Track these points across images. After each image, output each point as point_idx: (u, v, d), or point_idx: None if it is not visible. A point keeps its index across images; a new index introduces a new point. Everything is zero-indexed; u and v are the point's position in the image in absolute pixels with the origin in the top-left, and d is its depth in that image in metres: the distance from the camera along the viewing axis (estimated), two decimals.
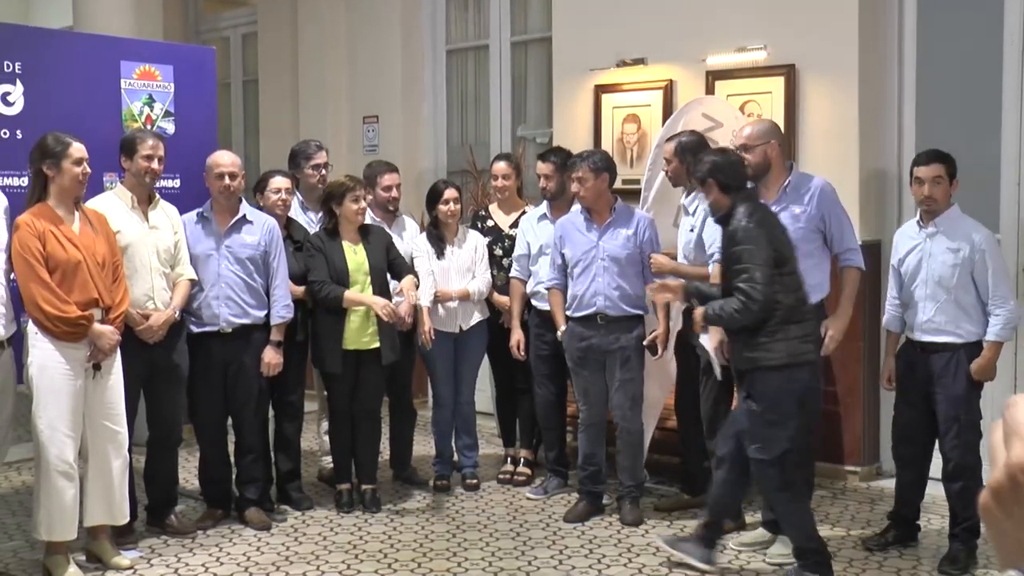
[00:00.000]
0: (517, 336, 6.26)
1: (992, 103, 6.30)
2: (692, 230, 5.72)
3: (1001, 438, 0.87)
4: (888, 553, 5.36)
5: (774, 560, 5.24)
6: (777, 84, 6.65)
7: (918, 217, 5.25)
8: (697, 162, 5.09)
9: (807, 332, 4.86)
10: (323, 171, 6.52)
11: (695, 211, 5.70)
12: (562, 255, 5.91)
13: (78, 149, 4.96)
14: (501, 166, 6.63)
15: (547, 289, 6.04)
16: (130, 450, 5.33)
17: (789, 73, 6.60)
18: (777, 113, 6.62)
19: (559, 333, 5.97)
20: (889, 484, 6.37)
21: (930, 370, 5.11)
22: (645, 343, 5.79)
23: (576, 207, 6.02)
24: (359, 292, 5.91)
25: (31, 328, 4.89)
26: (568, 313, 5.90)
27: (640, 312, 5.84)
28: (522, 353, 6.26)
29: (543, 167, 6.33)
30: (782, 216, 5.12)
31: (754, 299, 4.65)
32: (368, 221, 6.19)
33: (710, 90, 6.89)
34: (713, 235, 5.29)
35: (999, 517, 0.86)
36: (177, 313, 5.48)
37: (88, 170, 5.00)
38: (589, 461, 5.94)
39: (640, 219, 5.86)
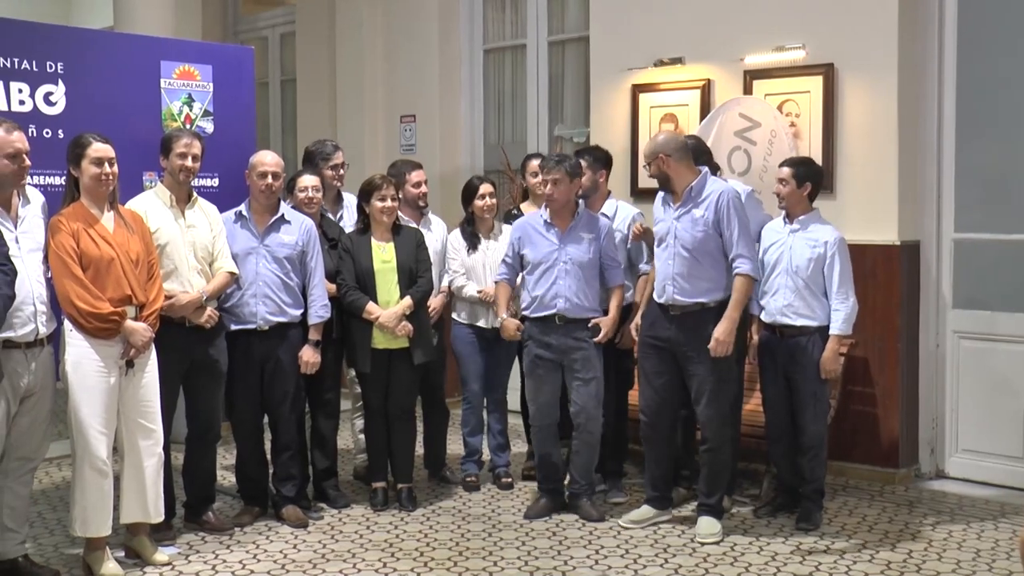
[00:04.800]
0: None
1: None
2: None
3: None
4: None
5: (707, 540, 5.55)
6: (815, 83, 6.63)
7: (784, 215, 5.83)
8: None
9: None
10: (340, 171, 6.55)
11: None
12: (520, 256, 5.96)
13: (97, 149, 4.97)
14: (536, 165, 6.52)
15: (496, 282, 6.14)
16: (168, 447, 5.38)
17: (828, 72, 6.58)
18: (815, 112, 6.63)
19: (499, 320, 6.07)
20: (929, 486, 6.49)
21: (789, 353, 5.73)
22: (589, 325, 5.85)
23: (536, 209, 6.11)
24: (386, 290, 5.99)
25: (67, 325, 4.92)
26: (525, 313, 5.96)
27: (596, 314, 5.89)
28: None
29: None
30: (684, 219, 5.52)
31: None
32: (401, 222, 6.21)
33: (748, 89, 6.91)
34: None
35: None
36: (208, 302, 5.48)
37: (109, 170, 4.99)
38: (545, 460, 6.04)
39: (603, 225, 5.95)
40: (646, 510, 5.82)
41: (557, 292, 5.83)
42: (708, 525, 5.63)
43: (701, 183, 5.56)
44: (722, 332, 5.45)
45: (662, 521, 5.79)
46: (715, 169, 6.07)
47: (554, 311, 5.83)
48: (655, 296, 5.69)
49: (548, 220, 5.91)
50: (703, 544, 5.49)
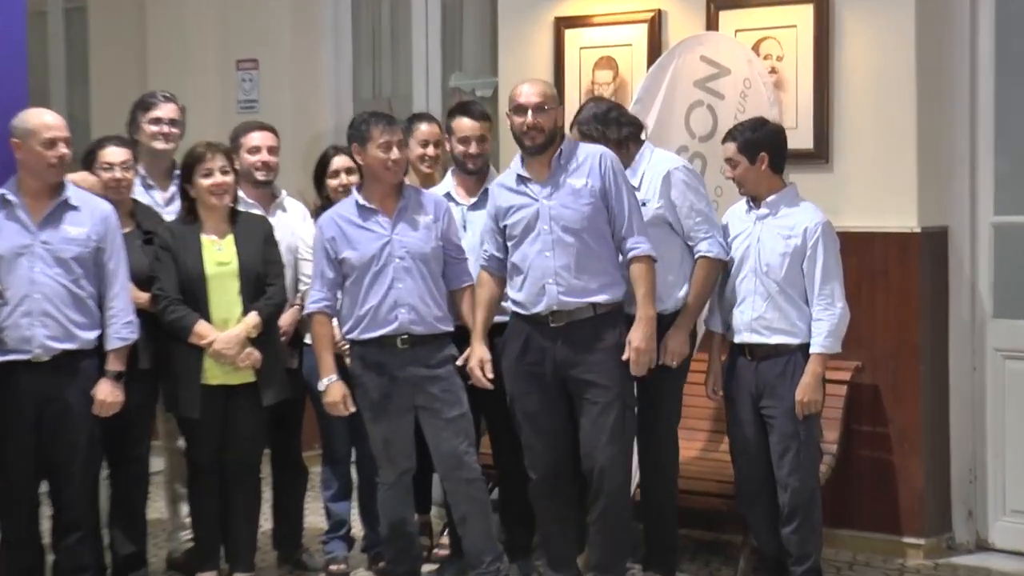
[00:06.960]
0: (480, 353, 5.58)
1: None
2: None
3: None
4: None
5: None
6: (804, 14, 6.29)
7: (747, 199, 5.52)
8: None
9: None
10: (167, 128, 6.08)
11: None
12: (337, 263, 5.48)
13: None
14: (428, 129, 6.28)
15: (309, 315, 5.62)
16: None
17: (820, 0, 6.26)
18: (804, 55, 6.30)
19: (322, 384, 5.48)
20: (966, 561, 6.16)
21: (761, 380, 5.32)
22: (459, 362, 5.49)
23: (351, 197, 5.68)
24: (224, 303, 5.58)
25: None
26: (352, 336, 5.47)
27: (450, 325, 5.51)
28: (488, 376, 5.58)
29: (475, 126, 5.98)
30: (559, 193, 5.28)
31: None
32: (241, 207, 5.86)
33: (712, 24, 6.57)
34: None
35: None
36: None
37: None
38: (398, 531, 5.55)
39: (439, 204, 5.65)
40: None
41: (397, 300, 5.34)
42: None
43: (572, 147, 5.35)
44: (638, 338, 5.13)
45: None
46: (639, 129, 5.70)
47: (395, 326, 5.32)
48: (522, 308, 5.32)
49: (366, 204, 5.45)
50: None
